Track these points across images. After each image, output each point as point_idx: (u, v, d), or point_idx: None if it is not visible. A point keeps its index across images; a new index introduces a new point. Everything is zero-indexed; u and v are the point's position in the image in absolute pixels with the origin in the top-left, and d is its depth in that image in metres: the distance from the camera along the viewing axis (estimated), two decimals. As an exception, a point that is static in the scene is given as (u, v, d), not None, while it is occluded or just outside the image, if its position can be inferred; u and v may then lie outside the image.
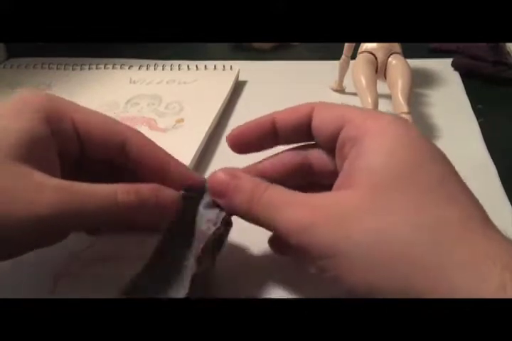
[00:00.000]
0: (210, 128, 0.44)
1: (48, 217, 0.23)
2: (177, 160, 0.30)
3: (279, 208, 0.24)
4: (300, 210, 0.23)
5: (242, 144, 0.29)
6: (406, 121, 0.26)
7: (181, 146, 0.40)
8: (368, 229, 0.21)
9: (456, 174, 0.24)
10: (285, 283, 0.30)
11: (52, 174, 0.25)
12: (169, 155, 0.30)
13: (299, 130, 0.28)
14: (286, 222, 0.24)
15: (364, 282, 0.21)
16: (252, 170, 0.29)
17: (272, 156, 0.30)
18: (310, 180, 0.30)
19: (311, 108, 0.28)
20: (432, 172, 0.23)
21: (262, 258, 0.32)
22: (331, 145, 0.27)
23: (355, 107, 0.27)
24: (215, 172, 0.27)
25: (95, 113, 0.29)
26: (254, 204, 0.25)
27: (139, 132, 0.30)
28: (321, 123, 0.27)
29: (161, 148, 0.30)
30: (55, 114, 0.27)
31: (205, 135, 0.43)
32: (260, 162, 0.30)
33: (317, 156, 0.29)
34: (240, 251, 0.33)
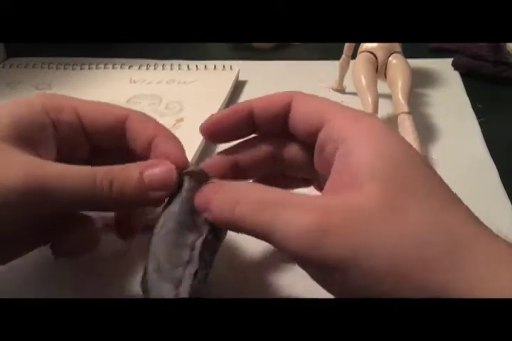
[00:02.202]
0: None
1: (16, 191, 0.23)
2: (166, 135, 0.28)
3: (271, 210, 0.21)
4: (306, 213, 0.21)
5: (217, 134, 0.28)
6: (386, 123, 0.24)
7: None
8: (390, 233, 0.20)
9: (447, 185, 0.23)
10: (286, 283, 0.30)
11: (45, 158, 0.26)
12: (161, 128, 0.28)
13: (276, 121, 0.27)
14: (288, 227, 0.21)
15: (380, 289, 0.20)
16: (226, 160, 0.28)
17: (246, 143, 0.29)
18: (280, 170, 0.29)
19: (289, 98, 0.26)
20: (430, 176, 0.23)
21: (263, 258, 0.32)
22: (308, 140, 0.26)
23: (334, 104, 0.26)
24: (200, 189, 0.25)
25: (95, 101, 0.29)
26: (231, 208, 0.22)
27: (140, 112, 0.29)
28: (299, 119, 0.26)
29: (156, 124, 0.29)
30: (55, 105, 0.28)
31: (205, 135, 0.43)
32: (234, 149, 0.29)
33: (291, 149, 0.28)
34: (240, 250, 0.33)
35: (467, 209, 0.22)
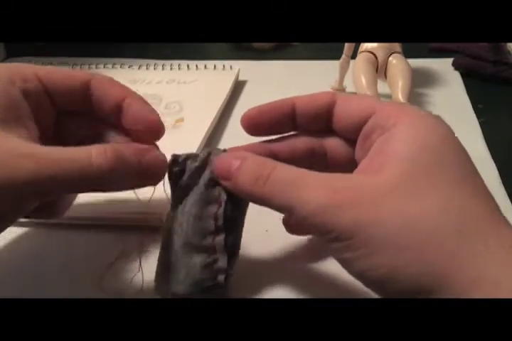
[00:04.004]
0: (210, 128, 0.44)
1: (25, 184, 0.23)
2: (135, 96, 0.29)
3: (294, 187, 0.23)
4: (322, 190, 0.23)
5: (257, 125, 0.28)
6: (438, 116, 0.25)
7: (181, 146, 0.39)
8: (398, 212, 0.21)
9: (478, 173, 0.24)
10: (286, 284, 0.30)
11: (30, 135, 0.26)
12: (129, 91, 0.29)
13: (318, 118, 0.28)
14: (306, 203, 0.23)
15: (385, 265, 0.21)
16: (263, 148, 0.28)
17: (284, 137, 0.29)
18: (318, 167, 0.29)
19: (332, 96, 0.27)
20: (460, 166, 0.23)
21: (263, 258, 0.32)
22: (352, 134, 0.27)
23: (378, 99, 0.27)
24: (221, 155, 0.27)
25: (57, 68, 0.30)
26: (261, 183, 0.24)
27: (104, 76, 0.30)
28: (347, 111, 0.27)
29: (123, 86, 0.30)
30: (20, 75, 0.28)
31: (205, 135, 0.43)
32: (273, 141, 0.29)
33: (333, 144, 0.29)
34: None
35: (492, 200, 0.23)
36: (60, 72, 0.29)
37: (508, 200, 0.36)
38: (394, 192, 0.22)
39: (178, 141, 0.41)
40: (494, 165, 0.40)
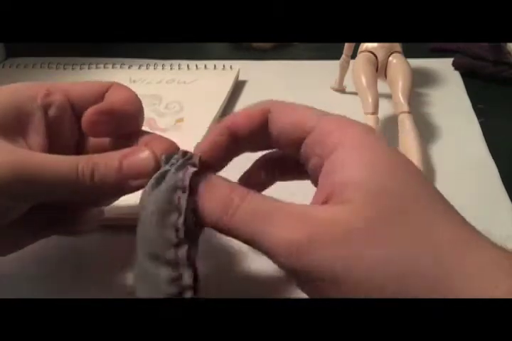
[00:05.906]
0: (210, 128, 0.44)
1: (3, 181, 0.23)
2: (119, 86, 0.30)
3: (263, 221, 0.21)
4: (292, 225, 0.21)
5: (213, 161, 0.27)
6: (374, 130, 0.24)
7: (181, 146, 0.39)
8: (375, 248, 0.20)
9: (439, 192, 0.22)
10: (286, 284, 0.30)
11: (27, 145, 0.26)
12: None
13: (257, 136, 0.26)
14: (275, 239, 0.21)
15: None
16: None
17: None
18: (272, 177, 0.29)
19: (266, 111, 0.25)
20: (419, 186, 0.22)
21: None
22: (293, 150, 0.25)
23: (314, 111, 0.25)
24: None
25: (84, 82, 0.31)
26: (230, 215, 0.22)
27: (121, 84, 0.30)
28: (279, 131, 0.25)
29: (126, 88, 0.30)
30: (41, 90, 0.28)
31: (205, 135, 0.43)
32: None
33: (280, 157, 0.28)
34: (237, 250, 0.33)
35: (465, 222, 0.21)
36: (86, 84, 0.30)
37: (508, 200, 0.36)
38: (363, 227, 0.20)
39: (178, 141, 0.41)
40: (494, 165, 0.40)
